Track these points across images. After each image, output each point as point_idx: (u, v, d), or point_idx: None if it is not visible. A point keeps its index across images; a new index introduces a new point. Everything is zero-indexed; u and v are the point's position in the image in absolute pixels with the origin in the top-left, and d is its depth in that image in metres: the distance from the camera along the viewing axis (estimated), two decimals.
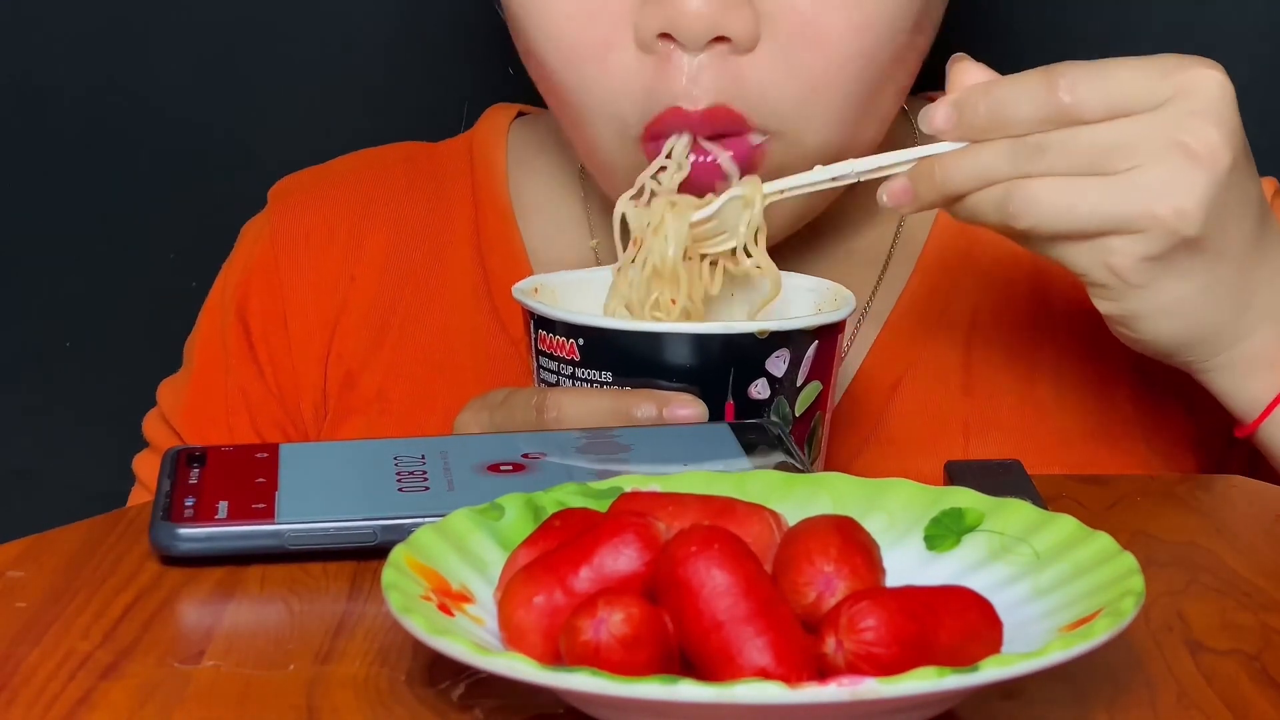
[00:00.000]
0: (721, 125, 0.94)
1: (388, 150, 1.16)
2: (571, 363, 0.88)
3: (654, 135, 0.95)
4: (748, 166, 0.95)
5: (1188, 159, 0.85)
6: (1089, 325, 1.04)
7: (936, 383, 1.04)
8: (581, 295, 0.95)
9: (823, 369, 0.89)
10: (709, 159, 0.95)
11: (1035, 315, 1.05)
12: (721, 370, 0.87)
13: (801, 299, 0.95)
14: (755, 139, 0.95)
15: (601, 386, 0.87)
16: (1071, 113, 0.85)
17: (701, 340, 0.86)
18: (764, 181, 0.92)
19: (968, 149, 0.87)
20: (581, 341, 0.87)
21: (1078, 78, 0.85)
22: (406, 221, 1.11)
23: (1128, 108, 0.85)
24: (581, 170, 1.10)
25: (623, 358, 0.87)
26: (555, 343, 0.88)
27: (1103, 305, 0.89)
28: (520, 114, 1.15)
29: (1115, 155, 0.85)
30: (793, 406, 0.88)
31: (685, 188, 0.94)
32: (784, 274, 0.94)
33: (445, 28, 1.33)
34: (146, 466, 1.12)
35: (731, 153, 0.95)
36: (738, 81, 0.94)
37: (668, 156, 0.95)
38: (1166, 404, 1.04)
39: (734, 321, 0.93)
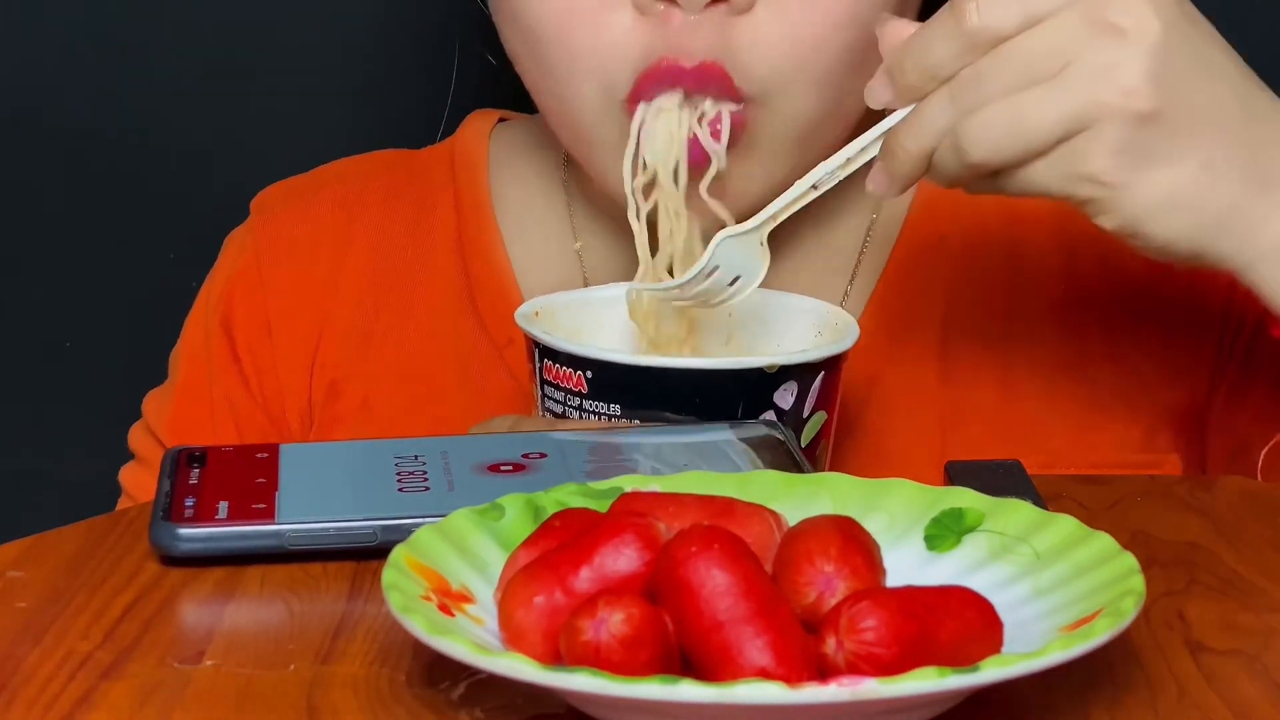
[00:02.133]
0: (712, 83, 0.94)
1: (370, 158, 1.15)
2: (579, 394, 0.87)
3: (645, 86, 0.94)
4: (730, 137, 0.94)
5: (1116, 38, 0.82)
6: (1063, 310, 1.04)
7: (913, 376, 1.04)
8: (583, 317, 0.95)
9: (827, 399, 0.89)
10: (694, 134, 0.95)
11: (1010, 304, 1.05)
12: (730, 404, 0.86)
13: (799, 322, 0.95)
14: (732, 107, 0.95)
15: (609, 419, 0.87)
16: (986, 34, 0.83)
17: (710, 375, 0.86)
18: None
19: (912, 110, 0.85)
20: (589, 374, 0.87)
21: None
22: (389, 230, 1.10)
23: (1041, 10, 0.83)
24: (565, 171, 1.09)
25: (631, 391, 0.86)
26: (562, 374, 0.87)
27: (1101, 221, 0.85)
28: (501, 119, 1.14)
29: (1045, 60, 0.83)
30: (799, 438, 0.88)
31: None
32: (782, 295, 0.95)
33: (424, 32, 1.32)
34: (133, 479, 1.11)
35: (721, 108, 0.94)
36: (732, 41, 0.94)
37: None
38: (1145, 382, 1.04)
39: (743, 356, 0.93)
